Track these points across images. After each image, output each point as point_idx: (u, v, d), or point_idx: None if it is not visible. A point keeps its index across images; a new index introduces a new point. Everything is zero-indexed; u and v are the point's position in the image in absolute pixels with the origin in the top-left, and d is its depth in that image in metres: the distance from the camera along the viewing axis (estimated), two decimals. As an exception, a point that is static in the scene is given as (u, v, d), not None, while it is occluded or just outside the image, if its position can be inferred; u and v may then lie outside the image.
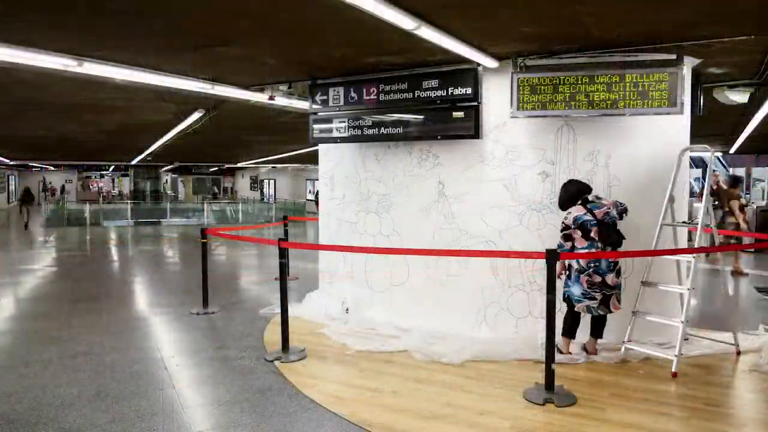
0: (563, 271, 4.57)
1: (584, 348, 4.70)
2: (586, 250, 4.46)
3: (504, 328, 5.21)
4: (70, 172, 40.68)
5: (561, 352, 4.56)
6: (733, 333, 4.76)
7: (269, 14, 3.77)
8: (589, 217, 4.48)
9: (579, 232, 4.48)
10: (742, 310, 6.25)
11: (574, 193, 4.58)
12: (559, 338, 4.47)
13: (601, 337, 4.68)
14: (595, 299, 4.46)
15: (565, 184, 4.68)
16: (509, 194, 5.17)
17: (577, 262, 4.50)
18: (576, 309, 4.56)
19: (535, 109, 4.76)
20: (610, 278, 4.46)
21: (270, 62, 5.18)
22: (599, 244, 4.45)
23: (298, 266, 9.38)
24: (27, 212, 19.06)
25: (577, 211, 4.51)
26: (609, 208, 4.51)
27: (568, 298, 4.59)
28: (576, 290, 4.52)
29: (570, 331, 4.64)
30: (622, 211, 4.61)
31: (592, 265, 4.44)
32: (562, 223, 4.57)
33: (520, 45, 4.57)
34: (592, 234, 4.48)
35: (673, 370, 4.24)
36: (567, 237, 4.53)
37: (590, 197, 4.58)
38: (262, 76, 5.85)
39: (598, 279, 4.46)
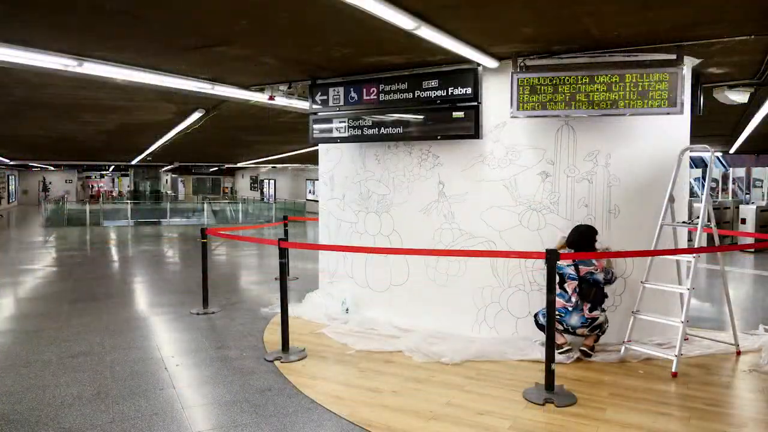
0: None
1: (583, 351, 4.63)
2: (558, 299, 4.50)
3: (504, 328, 5.22)
4: (70, 172, 40.69)
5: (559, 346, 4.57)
6: (733, 333, 4.76)
7: (269, 14, 3.77)
8: (571, 270, 4.61)
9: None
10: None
11: (576, 242, 4.67)
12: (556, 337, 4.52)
13: (603, 332, 4.66)
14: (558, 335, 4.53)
15: (585, 230, 4.72)
16: (509, 194, 5.17)
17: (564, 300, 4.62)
18: (578, 333, 4.63)
19: (535, 109, 4.76)
20: (580, 330, 4.58)
21: (270, 62, 5.18)
22: (572, 299, 4.56)
23: (298, 266, 9.39)
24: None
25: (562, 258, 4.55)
26: (595, 270, 4.57)
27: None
28: (540, 317, 4.64)
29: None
30: (610, 280, 4.65)
31: (558, 314, 4.50)
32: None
33: (520, 45, 4.57)
34: (565, 286, 4.61)
35: (673, 370, 4.24)
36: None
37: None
38: (262, 76, 5.85)
39: (560, 327, 4.56)
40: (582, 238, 4.68)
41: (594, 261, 4.60)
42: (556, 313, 4.42)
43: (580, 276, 4.58)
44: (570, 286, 4.61)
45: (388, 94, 5.45)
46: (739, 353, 4.70)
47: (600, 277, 4.60)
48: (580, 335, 4.62)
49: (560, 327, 4.58)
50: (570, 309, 4.57)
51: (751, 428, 3.44)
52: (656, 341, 4.83)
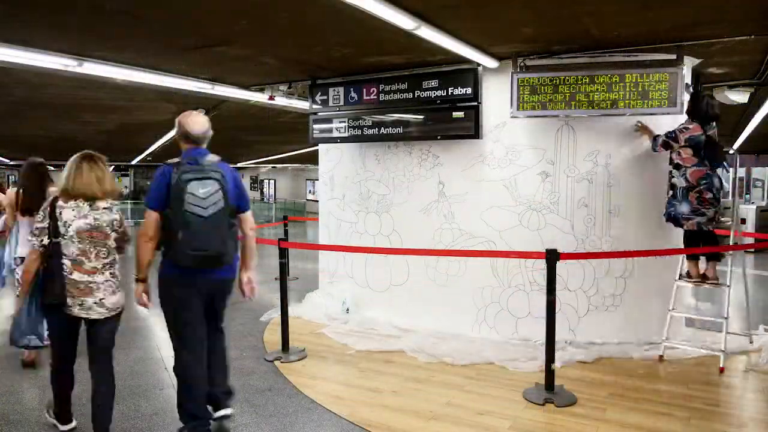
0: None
1: (704, 275, 4.68)
2: (696, 168, 4.50)
3: (504, 328, 5.21)
4: (70, 172, 40.60)
5: (690, 276, 4.70)
6: (747, 329, 4.86)
7: (269, 14, 3.77)
8: (704, 138, 4.49)
9: (690, 151, 4.50)
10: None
11: (706, 112, 4.55)
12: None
13: (719, 260, 4.67)
14: (705, 215, 4.50)
15: (704, 97, 4.64)
16: (509, 194, 5.17)
17: (685, 179, 4.53)
18: (685, 227, 4.61)
19: (535, 109, 4.76)
20: (722, 193, 4.55)
21: (270, 62, 5.18)
22: (707, 162, 4.49)
23: (298, 266, 9.38)
24: None
25: (695, 130, 4.51)
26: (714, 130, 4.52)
27: (673, 218, 4.63)
28: (684, 208, 4.56)
29: (695, 255, 4.70)
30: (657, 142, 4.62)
31: (704, 182, 4.48)
32: (672, 132, 4.57)
33: (520, 45, 4.57)
34: (702, 154, 4.50)
35: (720, 365, 4.32)
36: (667, 148, 4.62)
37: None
38: (262, 76, 5.85)
39: (709, 195, 4.49)
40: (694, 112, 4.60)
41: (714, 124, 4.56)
42: (703, 181, 4.46)
43: (710, 138, 4.50)
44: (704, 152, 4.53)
45: (388, 94, 5.45)
46: (751, 342, 4.75)
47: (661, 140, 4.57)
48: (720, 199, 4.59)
49: (709, 195, 4.48)
50: (710, 172, 4.49)
51: (751, 428, 3.44)
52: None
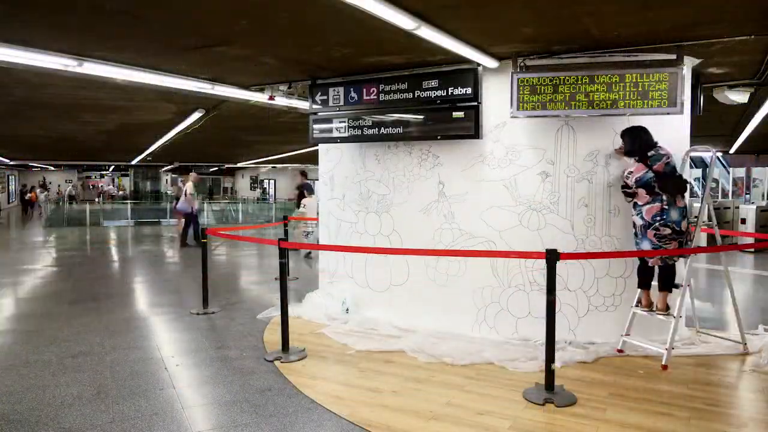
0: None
1: (653, 305, 4.70)
2: (650, 205, 4.48)
3: (504, 328, 5.22)
4: (70, 172, 40.67)
5: (640, 303, 4.72)
6: (740, 332, 4.78)
7: (269, 14, 3.77)
8: (650, 174, 4.49)
9: (643, 190, 4.50)
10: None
11: (639, 146, 4.56)
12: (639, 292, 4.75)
13: (671, 291, 4.63)
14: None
15: (631, 130, 4.62)
16: (509, 194, 5.17)
17: (641, 218, 4.53)
18: (650, 264, 4.64)
19: (535, 109, 4.76)
20: (683, 224, 4.49)
21: (270, 62, 5.18)
22: (665, 197, 4.46)
23: (298, 266, 9.38)
24: None
25: (638, 171, 4.52)
26: (668, 158, 4.50)
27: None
28: (645, 246, 4.56)
29: (645, 283, 4.71)
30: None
31: (658, 218, 4.47)
32: (623, 180, 4.67)
33: (520, 45, 4.58)
34: (656, 189, 4.50)
35: (663, 362, 4.32)
36: (628, 195, 4.64)
37: (651, 152, 4.53)
38: (262, 76, 5.86)
39: (667, 231, 4.47)
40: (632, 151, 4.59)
41: (661, 150, 4.53)
42: (657, 218, 4.45)
43: (659, 173, 4.47)
44: (659, 187, 4.50)
45: (388, 94, 5.45)
46: (746, 353, 4.69)
47: (673, 160, 4.53)
48: (684, 231, 4.52)
49: (667, 230, 4.45)
50: (666, 207, 4.46)
51: (751, 428, 3.43)
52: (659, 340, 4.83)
